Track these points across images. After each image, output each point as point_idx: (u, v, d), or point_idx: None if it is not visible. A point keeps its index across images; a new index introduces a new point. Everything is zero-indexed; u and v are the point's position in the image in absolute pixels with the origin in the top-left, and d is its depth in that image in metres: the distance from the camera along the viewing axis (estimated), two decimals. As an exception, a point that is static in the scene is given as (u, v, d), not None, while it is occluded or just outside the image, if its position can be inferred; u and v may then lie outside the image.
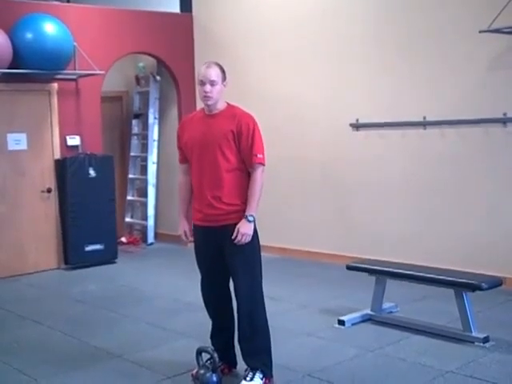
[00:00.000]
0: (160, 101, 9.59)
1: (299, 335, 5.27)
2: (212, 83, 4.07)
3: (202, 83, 4.09)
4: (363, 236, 7.51)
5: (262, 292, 4.25)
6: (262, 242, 8.50)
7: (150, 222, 9.50)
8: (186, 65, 9.17)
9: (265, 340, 4.24)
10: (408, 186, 7.12)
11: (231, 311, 4.37)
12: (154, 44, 8.90)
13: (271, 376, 4.21)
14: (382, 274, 5.49)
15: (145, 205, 9.61)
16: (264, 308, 4.26)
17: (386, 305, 5.69)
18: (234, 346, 4.43)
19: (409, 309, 5.73)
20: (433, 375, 4.35)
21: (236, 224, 4.06)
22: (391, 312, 5.69)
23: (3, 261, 7.46)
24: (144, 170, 9.68)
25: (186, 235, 4.39)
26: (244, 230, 4.04)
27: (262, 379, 4.14)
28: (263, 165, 4.12)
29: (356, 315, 5.55)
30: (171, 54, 9.07)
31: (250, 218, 4.05)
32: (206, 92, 4.08)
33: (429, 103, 6.90)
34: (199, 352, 4.30)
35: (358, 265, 5.75)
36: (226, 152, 4.07)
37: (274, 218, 8.40)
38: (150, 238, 9.48)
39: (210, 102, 4.12)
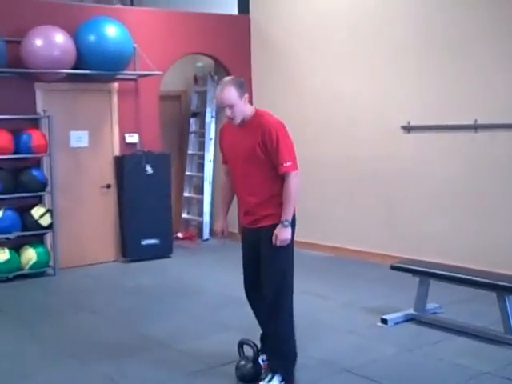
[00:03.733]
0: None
1: (341, 332, 5.42)
2: (230, 107, 4.11)
3: (222, 107, 4.17)
4: (411, 237, 7.56)
5: (290, 296, 4.28)
6: (313, 241, 8.72)
7: (206, 219, 9.74)
8: (243, 65, 9.38)
9: (288, 345, 4.28)
10: (458, 188, 7.14)
11: None
12: (211, 45, 9.14)
13: (291, 381, 4.26)
14: (425, 274, 5.57)
15: (201, 201, 9.86)
16: (291, 313, 4.28)
17: (430, 305, 5.75)
18: None
19: (453, 310, 5.78)
20: (469, 376, 4.43)
21: (269, 226, 4.16)
22: (435, 313, 5.75)
23: (65, 252, 7.77)
24: (201, 167, 9.92)
25: (222, 233, 4.54)
26: (281, 236, 4.11)
27: (280, 382, 4.21)
28: (293, 171, 4.14)
29: (399, 315, 5.64)
30: (228, 54, 9.28)
31: (286, 223, 4.11)
32: (228, 116, 4.16)
33: (480, 106, 6.89)
34: (241, 344, 4.49)
35: (401, 265, 5.84)
36: (256, 164, 4.16)
37: (325, 217, 8.56)
38: (206, 233, 9.72)
39: (235, 122, 4.19)
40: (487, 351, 4.89)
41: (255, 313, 4.52)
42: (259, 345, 4.49)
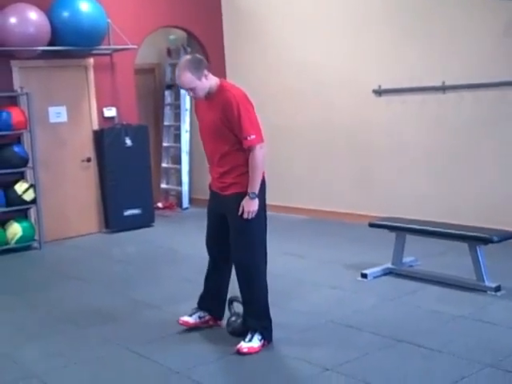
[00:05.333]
0: (191, 72, 9.92)
1: (324, 287, 5.70)
2: (191, 89, 4.26)
3: (184, 89, 4.35)
4: (385, 196, 7.87)
5: (261, 258, 4.43)
6: (290, 204, 8.98)
7: (185, 188, 9.94)
8: (215, 36, 9.53)
9: (263, 304, 4.44)
10: (428, 148, 7.43)
11: (229, 272, 4.70)
12: (183, 17, 9.24)
13: (270, 339, 4.43)
14: (401, 230, 5.87)
15: (179, 171, 10.04)
16: (263, 274, 4.44)
17: (407, 259, 6.06)
18: (224, 302, 4.78)
19: (428, 263, 6.09)
20: (445, 319, 4.75)
21: (234, 194, 4.32)
22: (411, 266, 6.06)
23: (49, 226, 7.95)
24: (177, 138, 10.09)
25: None
26: (248, 208, 4.25)
27: (260, 341, 4.35)
28: (258, 143, 4.22)
29: (378, 269, 5.94)
30: (200, 26, 9.40)
31: (252, 196, 4.25)
32: (192, 96, 4.37)
33: (448, 68, 7.17)
34: (231, 301, 4.74)
35: (378, 222, 6.14)
36: (221, 137, 4.29)
37: (300, 181, 8.83)
38: (185, 202, 9.93)
39: (199, 98, 4.38)
40: (461, 298, 5.21)
41: (214, 270, 4.75)
42: (199, 303, 4.82)
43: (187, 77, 4.20)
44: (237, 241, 4.40)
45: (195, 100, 4.63)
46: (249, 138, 4.20)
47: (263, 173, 4.35)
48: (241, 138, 4.23)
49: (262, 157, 4.26)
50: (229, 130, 4.25)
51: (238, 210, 4.30)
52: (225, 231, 4.50)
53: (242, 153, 4.29)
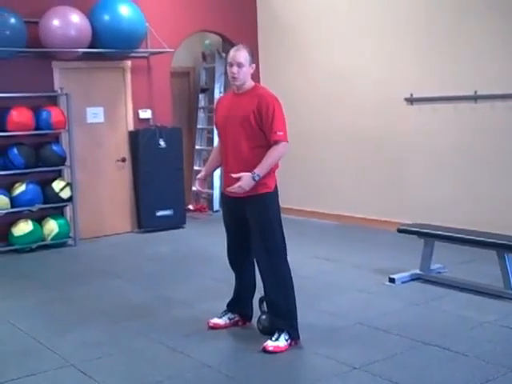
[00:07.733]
0: (225, 76, 10.09)
1: (352, 291, 5.80)
2: (239, 65, 4.39)
3: (231, 65, 4.44)
4: (415, 203, 7.93)
5: (285, 257, 4.53)
6: (319, 210, 9.05)
7: (216, 191, 10.07)
8: (249, 42, 9.54)
9: (290, 304, 4.53)
10: (458, 156, 7.50)
11: (253, 272, 4.86)
12: (219, 22, 9.43)
13: (297, 338, 4.51)
14: (430, 236, 5.95)
15: (211, 175, 10.13)
16: (288, 274, 4.55)
17: (435, 266, 6.13)
18: (252, 303, 4.93)
19: (456, 270, 6.16)
20: (472, 325, 4.83)
21: (254, 196, 4.41)
22: (439, 272, 6.13)
23: (84, 223, 8.16)
24: (210, 141, 10.24)
25: (200, 185, 4.99)
26: (243, 184, 4.31)
27: (286, 340, 4.43)
28: (284, 141, 4.39)
29: (406, 274, 6.03)
30: (236, 31, 9.55)
31: (256, 178, 4.32)
32: (233, 73, 4.42)
33: (480, 78, 7.23)
34: (261, 300, 4.86)
35: (407, 228, 6.22)
36: (248, 131, 4.40)
37: (330, 186, 8.92)
38: (216, 205, 10.05)
39: (237, 83, 4.48)
40: (488, 304, 5.28)
41: (239, 277, 4.93)
42: (228, 305, 4.99)
43: (244, 53, 4.45)
44: (261, 243, 4.51)
45: (220, 99, 4.88)
46: (278, 133, 4.38)
47: (275, 181, 4.51)
48: (269, 133, 4.37)
49: (283, 153, 4.42)
50: (257, 124, 4.39)
51: (263, 212, 4.45)
52: (244, 237, 4.65)
53: (264, 153, 4.39)
